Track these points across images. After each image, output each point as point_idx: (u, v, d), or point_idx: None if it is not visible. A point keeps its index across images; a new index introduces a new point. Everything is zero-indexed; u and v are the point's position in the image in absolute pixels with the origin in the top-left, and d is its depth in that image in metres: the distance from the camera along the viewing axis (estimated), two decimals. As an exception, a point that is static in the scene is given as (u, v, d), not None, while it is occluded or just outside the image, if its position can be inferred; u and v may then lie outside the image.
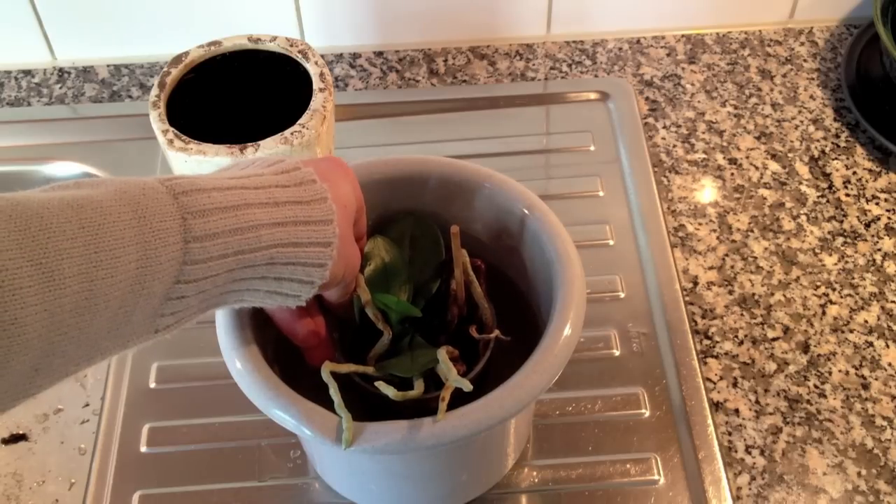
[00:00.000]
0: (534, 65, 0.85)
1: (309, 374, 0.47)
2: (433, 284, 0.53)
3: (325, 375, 0.46)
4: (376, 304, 0.50)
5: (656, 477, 0.59)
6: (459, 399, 0.44)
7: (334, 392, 0.45)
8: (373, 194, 0.56)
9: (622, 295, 0.68)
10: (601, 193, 0.74)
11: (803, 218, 0.73)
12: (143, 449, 0.61)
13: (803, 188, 0.75)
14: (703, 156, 0.77)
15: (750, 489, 0.59)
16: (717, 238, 0.72)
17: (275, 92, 0.66)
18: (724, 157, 0.77)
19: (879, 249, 0.71)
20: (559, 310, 0.48)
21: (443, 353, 0.47)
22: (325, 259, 0.42)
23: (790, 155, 0.77)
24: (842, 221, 0.73)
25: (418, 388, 0.47)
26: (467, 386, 0.44)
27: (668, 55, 0.86)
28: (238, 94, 0.66)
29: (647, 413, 0.61)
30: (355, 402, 0.46)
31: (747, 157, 0.77)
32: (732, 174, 0.76)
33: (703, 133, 0.79)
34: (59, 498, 0.66)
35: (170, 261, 0.35)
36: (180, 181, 0.37)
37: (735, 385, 0.63)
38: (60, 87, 0.84)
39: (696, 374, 0.63)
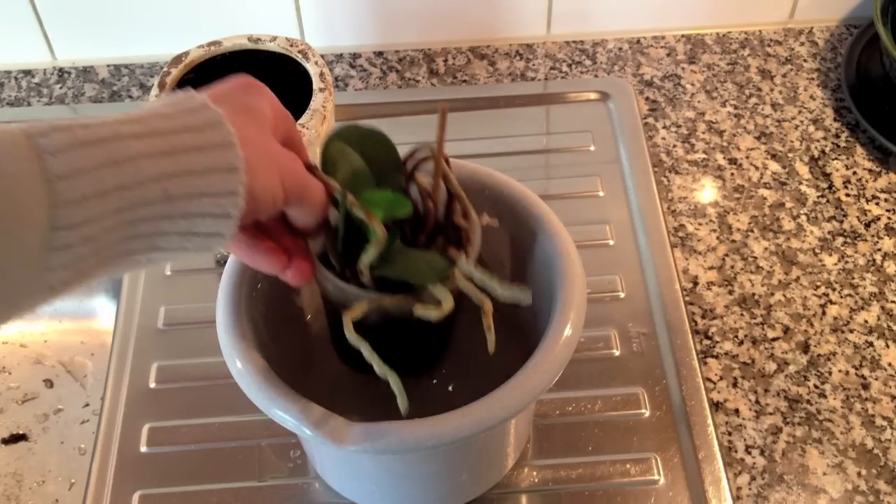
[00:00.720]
0: (534, 65, 0.85)
1: (309, 374, 0.47)
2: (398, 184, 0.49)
3: (352, 336, 0.42)
4: (363, 204, 0.44)
5: (656, 477, 0.59)
6: (460, 400, 0.44)
7: (369, 353, 0.42)
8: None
9: (622, 295, 0.68)
10: (601, 193, 0.74)
11: (803, 218, 0.73)
12: (143, 449, 0.61)
13: (803, 188, 0.75)
14: (703, 156, 0.77)
15: (750, 489, 0.59)
16: (717, 238, 0.72)
17: (275, 92, 0.65)
18: (724, 157, 0.77)
19: (879, 249, 0.71)
20: (559, 310, 0.48)
21: (462, 261, 0.43)
22: (232, 186, 0.37)
23: (790, 155, 0.77)
24: (842, 221, 0.73)
25: (448, 301, 0.43)
26: (526, 299, 0.41)
27: (668, 55, 0.86)
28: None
29: (647, 413, 0.61)
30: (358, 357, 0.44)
31: (747, 157, 0.77)
32: (732, 174, 0.76)
33: (703, 133, 0.79)
34: (59, 498, 0.66)
35: (36, 205, 0.32)
36: (39, 124, 0.34)
37: (735, 385, 0.63)
38: (60, 87, 0.84)
39: (696, 374, 0.63)
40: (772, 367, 0.64)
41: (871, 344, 0.65)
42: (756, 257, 0.70)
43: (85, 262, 0.35)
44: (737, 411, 0.62)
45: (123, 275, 0.38)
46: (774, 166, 0.76)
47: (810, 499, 0.58)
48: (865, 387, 0.63)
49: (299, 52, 0.64)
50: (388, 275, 0.44)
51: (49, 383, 0.78)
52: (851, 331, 0.66)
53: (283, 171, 0.41)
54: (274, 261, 0.44)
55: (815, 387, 0.63)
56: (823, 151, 0.78)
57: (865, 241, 0.71)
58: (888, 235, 0.72)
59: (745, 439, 0.61)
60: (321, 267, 0.45)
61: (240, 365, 0.46)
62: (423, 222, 0.48)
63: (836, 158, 0.77)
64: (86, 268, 0.35)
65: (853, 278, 0.69)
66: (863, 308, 0.67)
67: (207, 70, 0.64)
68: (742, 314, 0.67)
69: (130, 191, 0.35)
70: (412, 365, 0.47)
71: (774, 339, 0.66)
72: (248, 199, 0.38)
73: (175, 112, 0.38)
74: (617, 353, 0.64)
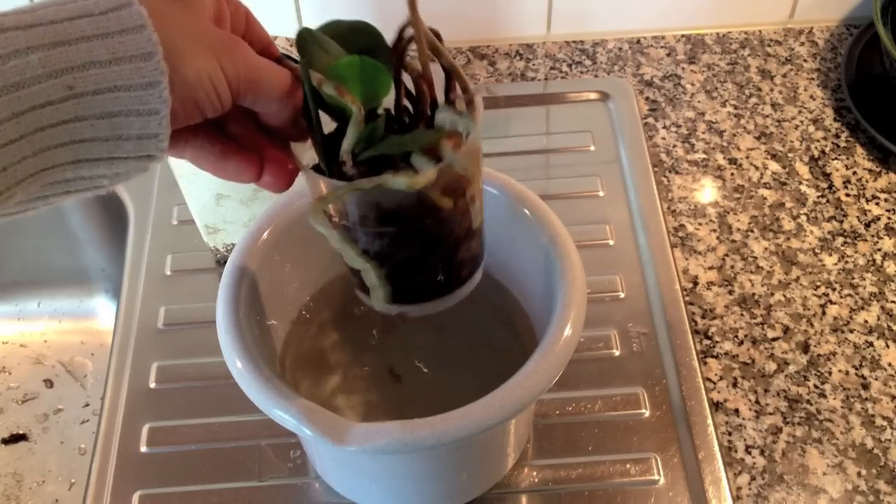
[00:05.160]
0: (534, 65, 0.85)
1: (309, 374, 0.47)
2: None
3: (316, 219, 0.38)
4: (333, 81, 0.38)
5: (656, 477, 0.59)
6: (459, 399, 0.44)
7: (340, 242, 0.38)
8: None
9: (622, 295, 0.68)
10: (601, 193, 0.74)
11: (803, 218, 0.73)
12: (143, 449, 0.61)
13: (803, 188, 0.75)
14: (703, 156, 0.77)
15: (750, 489, 0.59)
16: (717, 238, 0.72)
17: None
18: (724, 157, 0.77)
19: (879, 249, 0.71)
20: (559, 310, 0.48)
21: (444, 112, 0.38)
22: (151, 75, 0.32)
23: (790, 155, 0.77)
24: (842, 221, 0.73)
25: (427, 172, 0.37)
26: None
27: (668, 55, 0.86)
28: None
29: (647, 413, 0.61)
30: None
31: (747, 157, 0.77)
32: (732, 174, 0.76)
33: (703, 133, 0.79)
34: (59, 498, 0.66)
35: None
36: None
37: (735, 385, 0.63)
38: (60, 87, 0.84)
39: (696, 374, 0.63)
40: (772, 367, 0.64)
41: (871, 344, 0.65)
42: (756, 257, 0.70)
43: None
44: (737, 411, 0.62)
45: (64, 200, 0.35)
46: (774, 166, 0.76)
47: (810, 499, 0.58)
48: (865, 387, 0.63)
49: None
50: (370, 155, 0.39)
51: (49, 383, 0.78)
52: (851, 331, 0.66)
53: (224, 56, 0.35)
54: (244, 167, 0.40)
55: (815, 387, 0.63)
56: (823, 151, 0.78)
57: (865, 241, 0.71)
58: (888, 235, 0.72)
59: (745, 439, 0.61)
60: (307, 170, 0.40)
61: (240, 365, 0.46)
62: (420, 106, 0.42)
63: (836, 158, 0.77)
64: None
65: (853, 278, 0.69)
66: (863, 308, 0.67)
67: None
68: (742, 314, 0.67)
69: (24, 90, 0.30)
70: (410, 288, 0.42)
71: (774, 339, 0.66)
72: (179, 91, 0.33)
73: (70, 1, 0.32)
74: (617, 353, 0.64)
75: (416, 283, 0.44)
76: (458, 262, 0.44)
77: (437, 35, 0.43)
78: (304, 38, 0.40)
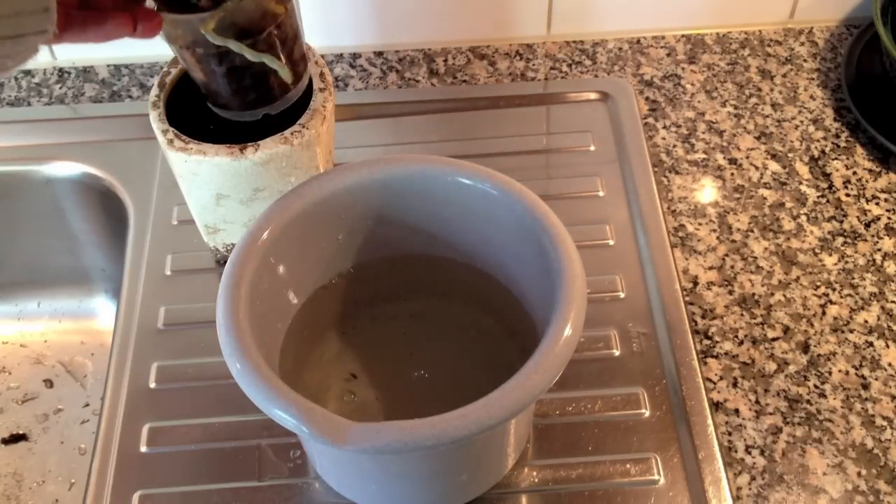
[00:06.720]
0: (534, 65, 0.85)
1: (309, 374, 0.47)
2: None
3: (216, 37, 0.51)
4: None
5: (656, 477, 0.59)
6: (458, 400, 0.44)
7: (238, 46, 0.50)
8: (372, 193, 0.56)
9: (622, 295, 0.68)
10: (601, 193, 0.74)
11: (803, 218, 0.73)
12: (143, 449, 0.61)
13: (803, 188, 0.75)
14: (703, 156, 0.77)
15: (750, 489, 0.59)
16: (717, 238, 0.72)
17: (275, 91, 0.66)
18: (724, 157, 0.77)
19: (879, 249, 0.71)
20: (559, 310, 0.48)
21: None
22: None
23: (790, 155, 0.77)
24: (842, 221, 0.73)
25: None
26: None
27: (668, 55, 0.86)
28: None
29: (647, 413, 0.62)
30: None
31: (747, 157, 0.77)
32: (732, 174, 0.76)
33: (703, 133, 0.79)
34: (59, 498, 0.66)
35: None
36: None
37: (735, 385, 0.63)
38: (60, 87, 0.84)
39: (696, 374, 0.63)
40: (772, 367, 0.64)
41: (871, 344, 0.65)
42: (756, 257, 0.70)
43: None
44: (737, 411, 0.62)
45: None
46: (774, 166, 0.76)
47: (810, 499, 0.58)
48: (865, 387, 0.63)
49: (299, 51, 0.64)
50: None
51: (49, 383, 0.78)
52: (851, 331, 0.66)
53: None
54: (121, 23, 0.48)
55: (815, 387, 0.63)
56: (823, 151, 0.78)
57: (865, 241, 0.71)
58: (888, 235, 0.72)
59: (745, 439, 0.61)
60: (168, 14, 0.51)
61: (240, 365, 0.46)
62: None
63: (836, 158, 0.77)
64: None
65: (853, 278, 0.69)
66: (863, 308, 0.67)
67: (207, 70, 0.64)
68: (742, 314, 0.67)
69: None
70: (266, 90, 0.57)
71: (774, 339, 0.66)
72: None
73: None
74: (617, 353, 0.64)
75: (270, 84, 0.58)
76: (296, 60, 0.58)
77: None
78: None
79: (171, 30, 0.54)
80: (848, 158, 0.77)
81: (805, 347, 0.65)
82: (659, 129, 0.80)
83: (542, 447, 0.60)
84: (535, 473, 0.59)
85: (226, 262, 0.51)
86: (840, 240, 0.71)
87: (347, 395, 0.56)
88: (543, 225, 0.52)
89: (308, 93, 0.62)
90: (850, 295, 0.68)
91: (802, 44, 0.86)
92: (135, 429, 0.62)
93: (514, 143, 0.78)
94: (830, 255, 0.70)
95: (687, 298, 0.68)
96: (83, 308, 0.84)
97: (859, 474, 0.59)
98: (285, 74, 0.55)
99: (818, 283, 0.69)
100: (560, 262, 0.50)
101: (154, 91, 0.61)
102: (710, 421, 0.61)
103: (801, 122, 0.80)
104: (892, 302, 0.68)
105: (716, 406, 0.62)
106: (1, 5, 0.38)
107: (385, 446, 0.43)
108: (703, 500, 0.57)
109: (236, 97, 0.58)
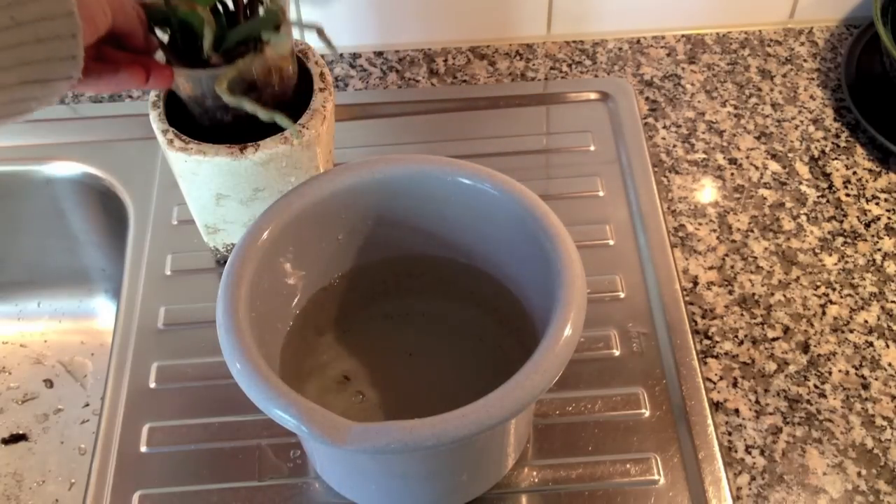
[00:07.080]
0: (534, 65, 0.85)
1: (309, 374, 0.47)
2: None
3: (231, 97, 0.51)
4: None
5: (656, 477, 0.59)
6: (458, 400, 0.44)
7: (252, 105, 0.50)
8: (372, 193, 0.56)
9: (622, 295, 0.68)
10: (601, 193, 0.74)
11: (803, 218, 0.73)
12: (143, 449, 0.61)
13: (803, 188, 0.75)
14: (703, 156, 0.77)
15: (750, 489, 0.59)
16: (717, 238, 0.72)
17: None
18: (724, 157, 0.77)
19: (879, 249, 0.71)
20: (560, 310, 0.48)
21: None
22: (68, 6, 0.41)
23: (790, 155, 0.77)
24: (842, 221, 0.73)
25: (288, 39, 0.52)
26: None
27: (668, 55, 0.86)
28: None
29: (647, 413, 0.62)
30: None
31: (747, 157, 0.77)
32: (732, 174, 0.76)
33: (703, 133, 0.79)
34: (59, 498, 0.66)
35: None
36: None
37: (735, 385, 0.63)
38: (60, 87, 0.84)
39: (696, 374, 0.63)
40: (772, 367, 0.64)
41: (871, 344, 0.65)
42: (756, 257, 0.70)
43: None
44: (737, 411, 0.62)
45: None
46: (774, 166, 0.76)
47: (810, 499, 0.58)
48: (865, 387, 0.63)
49: (299, 52, 0.64)
50: (233, 39, 0.52)
51: (49, 383, 0.78)
52: (851, 331, 0.66)
53: None
54: (135, 74, 0.50)
55: (815, 387, 0.63)
56: (823, 151, 0.78)
57: (865, 241, 0.71)
58: (888, 235, 0.72)
59: (745, 439, 0.61)
60: (180, 68, 0.52)
61: (240, 365, 0.46)
62: (236, 4, 0.55)
63: (836, 158, 0.77)
64: None
65: (853, 278, 0.69)
66: (863, 308, 0.67)
67: (207, 70, 0.64)
68: (742, 314, 0.67)
69: None
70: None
71: (774, 339, 0.66)
72: (83, 11, 0.42)
73: None
74: (617, 353, 0.64)
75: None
76: (290, 104, 0.59)
77: None
78: None
79: (182, 82, 0.55)
80: (848, 158, 0.77)
81: (805, 347, 0.65)
82: (659, 129, 0.80)
83: (542, 447, 0.60)
84: (535, 473, 0.59)
85: (226, 262, 0.51)
86: (840, 240, 0.71)
87: (347, 395, 0.56)
88: (543, 225, 0.52)
89: (308, 93, 0.62)
90: (850, 295, 0.68)
91: (802, 44, 0.86)
92: (135, 429, 0.62)
93: (514, 143, 0.78)
94: (830, 255, 0.71)
95: (687, 298, 0.68)
96: (83, 308, 0.84)
97: (859, 474, 0.59)
98: (289, 127, 0.55)
99: (818, 283, 0.69)
100: (560, 262, 0.50)
101: (154, 91, 0.61)
102: (710, 421, 0.61)
103: (801, 122, 0.80)
104: (892, 302, 0.68)
105: (716, 406, 0.62)
106: (34, 52, 0.40)
107: (385, 446, 0.43)
108: (703, 500, 0.57)
109: (232, 129, 0.59)
